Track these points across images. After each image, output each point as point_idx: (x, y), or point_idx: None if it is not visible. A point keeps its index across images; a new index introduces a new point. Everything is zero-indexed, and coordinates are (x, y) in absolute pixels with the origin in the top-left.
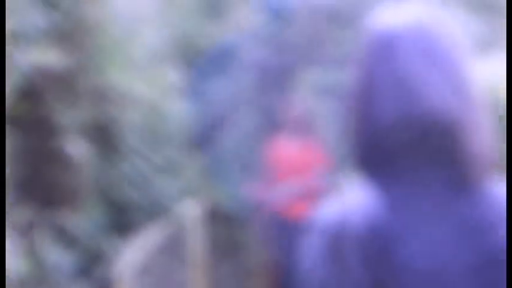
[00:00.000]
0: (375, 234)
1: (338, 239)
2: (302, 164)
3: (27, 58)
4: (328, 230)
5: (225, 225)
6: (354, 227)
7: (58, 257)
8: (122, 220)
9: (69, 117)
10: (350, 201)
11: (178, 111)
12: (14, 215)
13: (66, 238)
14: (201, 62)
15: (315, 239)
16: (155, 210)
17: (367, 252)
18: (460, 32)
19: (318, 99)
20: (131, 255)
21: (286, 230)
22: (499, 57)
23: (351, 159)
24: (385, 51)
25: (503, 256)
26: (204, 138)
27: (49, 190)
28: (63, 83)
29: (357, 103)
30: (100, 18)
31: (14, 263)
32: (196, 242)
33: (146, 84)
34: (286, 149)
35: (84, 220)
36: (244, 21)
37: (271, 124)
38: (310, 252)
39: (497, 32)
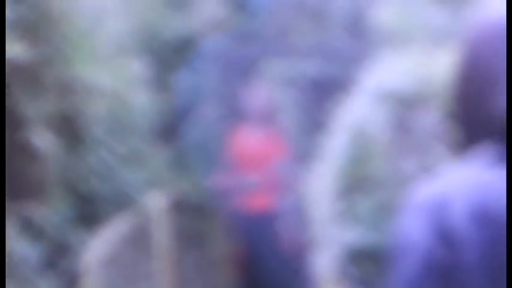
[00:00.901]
0: (487, 216)
1: (446, 220)
2: (264, 155)
3: None
4: (435, 210)
5: (191, 216)
6: (464, 208)
7: (25, 250)
8: (89, 212)
9: (34, 108)
10: (453, 181)
11: (143, 102)
12: None
13: (32, 230)
14: (166, 53)
15: (420, 220)
16: (121, 202)
17: (480, 234)
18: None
19: (281, 90)
20: (98, 247)
21: (249, 221)
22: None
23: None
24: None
25: None
26: (168, 129)
27: (15, 182)
28: (28, 75)
29: (471, 88)
30: (65, 10)
31: None
32: (162, 233)
33: (112, 76)
34: (249, 139)
35: (50, 212)
36: (209, 13)
37: (235, 115)
38: (414, 234)
39: (460, 23)
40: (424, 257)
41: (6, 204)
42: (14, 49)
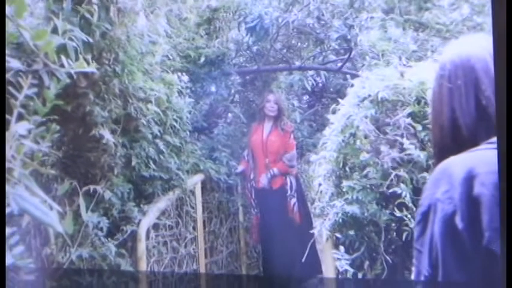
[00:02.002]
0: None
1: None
2: (276, 147)
3: (76, 66)
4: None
5: (219, 193)
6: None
7: (96, 219)
8: (144, 190)
9: (105, 111)
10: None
11: (185, 107)
12: (59, 189)
13: (102, 205)
14: (200, 70)
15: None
16: (169, 183)
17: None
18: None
19: (288, 97)
20: (150, 216)
21: (264, 196)
22: (429, 65)
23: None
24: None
25: None
26: (203, 128)
27: (90, 168)
28: (100, 86)
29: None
30: (128, 36)
31: (62, 226)
32: (197, 205)
33: (162, 86)
34: (264, 135)
35: (115, 191)
36: (231, 38)
37: (253, 117)
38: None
39: (429, 46)
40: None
41: (59, 182)
42: (91, 66)
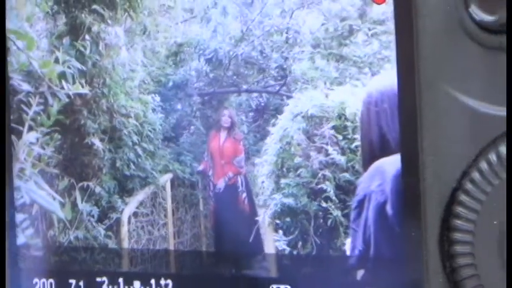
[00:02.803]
0: None
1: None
2: (230, 152)
3: (73, 89)
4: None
5: (184, 188)
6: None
7: (88, 209)
8: (125, 186)
9: (96, 124)
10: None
11: (157, 120)
12: (60, 184)
13: (93, 197)
14: (167, 92)
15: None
16: (146, 180)
17: None
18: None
19: (237, 113)
20: (131, 207)
21: (220, 191)
22: (348, 89)
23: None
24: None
25: None
26: (172, 136)
27: (84, 169)
28: (91, 104)
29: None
30: (113, 64)
31: (63, 213)
32: (168, 198)
33: (140, 104)
34: (221, 142)
35: (104, 186)
36: (194, 66)
37: (212, 127)
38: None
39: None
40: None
41: (59, 179)
42: (84, 89)
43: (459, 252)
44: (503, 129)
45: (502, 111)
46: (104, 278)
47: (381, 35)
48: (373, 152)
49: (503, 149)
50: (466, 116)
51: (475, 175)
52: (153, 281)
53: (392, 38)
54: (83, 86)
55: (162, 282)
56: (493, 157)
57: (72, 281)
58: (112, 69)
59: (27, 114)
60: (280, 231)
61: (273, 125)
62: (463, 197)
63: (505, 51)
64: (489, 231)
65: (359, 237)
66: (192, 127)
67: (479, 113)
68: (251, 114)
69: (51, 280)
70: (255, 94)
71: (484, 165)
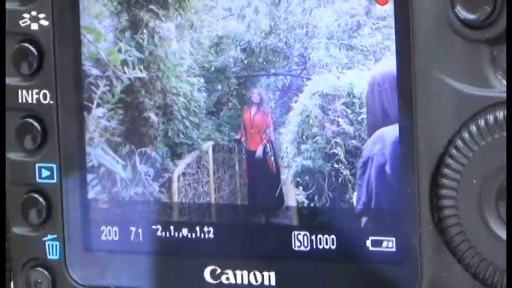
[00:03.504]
0: None
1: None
2: (259, 124)
3: (133, 73)
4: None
5: (223, 153)
6: None
7: (146, 170)
8: (175, 151)
9: (152, 102)
10: None
11: (201, 98)
12: (123, 150)
13: (150, 160)
14: (211, 75)
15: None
16: (192, 147)
17: None
18: None
19: (266, 92)
20: (180, 168)
21: (253, 153)
22: (356, 73)
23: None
24: None
25: None
26: (212, 111)
27: (141, 137)
28: (146, 86)
29: None
30: (166, 54)
31: (125, 173)
32: (209, 161)
33: (187, 85)
34: (252, 115)
35: (158, 151)
36: (232, 55)
37: (245, 104)
38: None
39: (355, 61)
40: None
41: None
42: (142, 73)
43: (445, 205)
44: (482, 106)
45: (481, 92)
46: (158, 226)
47: (383, 28)
48: (376, 123)
49: (481, 121)
50: (452, 96)
51: (459, 143)
52: (197, 229)
53: (392, 31)
54: (141, 71)
55: (205, 229)
56: (473, 128)
57: (132, 229)
58: (165, 57)
59: (95, 93)
60: (300, 187)
61: (295, 101)
62: (448, 160)
63: (485, 43)
64: (470, 188)
65: (363, 191)
66: (230, 103)
67: (463, 93)
68: (277, 93)
69: (115, 228)
70: (281, 77)
71: (465, 134)
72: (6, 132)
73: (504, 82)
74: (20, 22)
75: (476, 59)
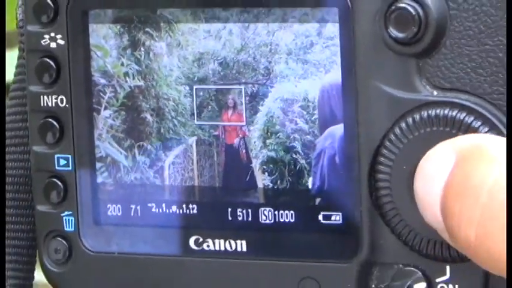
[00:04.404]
0: None
1: None
2: (235, 122)
3: (133, 82)
4: None
5: (205, 146)
6: None
7: (143, 160)
8: (166, 145)
9: (147, 105)
10: None
11: (187, 102)
12: (125, 144)
13: (146, 152)
14: (193, 83)
15: None
16: (179, 141)
17: None
18: None
19: (240, 98)
20: (169, 159)
21: (227, 148)
22: (309, 82)
23: None
24: None
25: None
26: (196, 113)
27: (139, 133)
28: (144, 93)
29: None
30: (159, 67)
31: (126, 162)
32: (194, 154)
33: (176, 92)
34: (229, 116)
35: (152, 145)
36: (211, 66)
37: (222, 107)
38: None
39: (309, 72)
40: None
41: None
42: (139, 82)
43: (381, 186)
44: (410, 107)
45: (409, 95)
46: (153, 204)
47: (331, 46)
48: (326, 122)
49: (410, 119)
50: (386, 99)
51: (391, 137)
52: (184, 206)
53: (338, 49)
54: (139, 80)
55: (190, 206)
56: (403, 125)
57: (132, 206)
58: (158, 69)
59: (103, 98)
60: (266, 173)
61: (262, 105)
62: (383, 151)
63: (413, 56)
64: (400, 173)
65: (317, 177)
66: (210, 107)
67: (395, 97)
68: (247, 98)
69: (119, 205)
70: (250, 85)
71: (397, 130)
72: (31, 130)
73: (428, 88)
74: (42, 41)
75: (405, 69)
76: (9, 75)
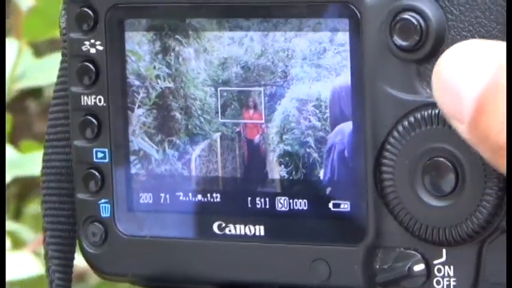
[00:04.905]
0: None
1: None
2: (255, 120)
3: (164, 84)
4: None
5: (228, 141)
6: None
7: (172, 153)
8: (193, 140)
9: (177, 104)
10: None
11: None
12: (156, 139)
13: (175, 146)
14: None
15: None
16: (205, 137)
17: None
18: None
19: (259, 97)
20: (196, 152)
21: (248, 142)
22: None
23: None
24: None
25: None
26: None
27: (169, 129)
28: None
29: None
30: (187, 70)
31: (157, 156)
32: (218, 147)
33: (202, 92)
34: (250, 114)
35: (181, 140)
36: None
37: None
38: None
39: (322, 75)
40: None
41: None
42: (170, 84)
43: (385, 178)
44: (412, 107)
45: (410, 97)
46: (181, 193)
47: (342, 52)
48: (336, 120)
49: (411, 118)
50: (390, 100)
51: (395, 134)
52: (208, 195)
53: (348, 54)
54: (169, 82)
55: (214, 195)
56: (405, 123)
57: (162, 195)
58: (186, 72)
59: (137, 98)
60: (282, 166)
61: (279, 104)
62: (388, 147)
63: (414, 62)
64: (403, 166)
65: (328, 169)
66: (233, 106)
67: (398, 98)
68: (266, 98)
69: (150, 194)
70: (269, 87)
71: (400, 128)
72: (72, 126)
73: (428, 90)
74: (82, 47)
75: (408, 74)
76: (53, 77)
